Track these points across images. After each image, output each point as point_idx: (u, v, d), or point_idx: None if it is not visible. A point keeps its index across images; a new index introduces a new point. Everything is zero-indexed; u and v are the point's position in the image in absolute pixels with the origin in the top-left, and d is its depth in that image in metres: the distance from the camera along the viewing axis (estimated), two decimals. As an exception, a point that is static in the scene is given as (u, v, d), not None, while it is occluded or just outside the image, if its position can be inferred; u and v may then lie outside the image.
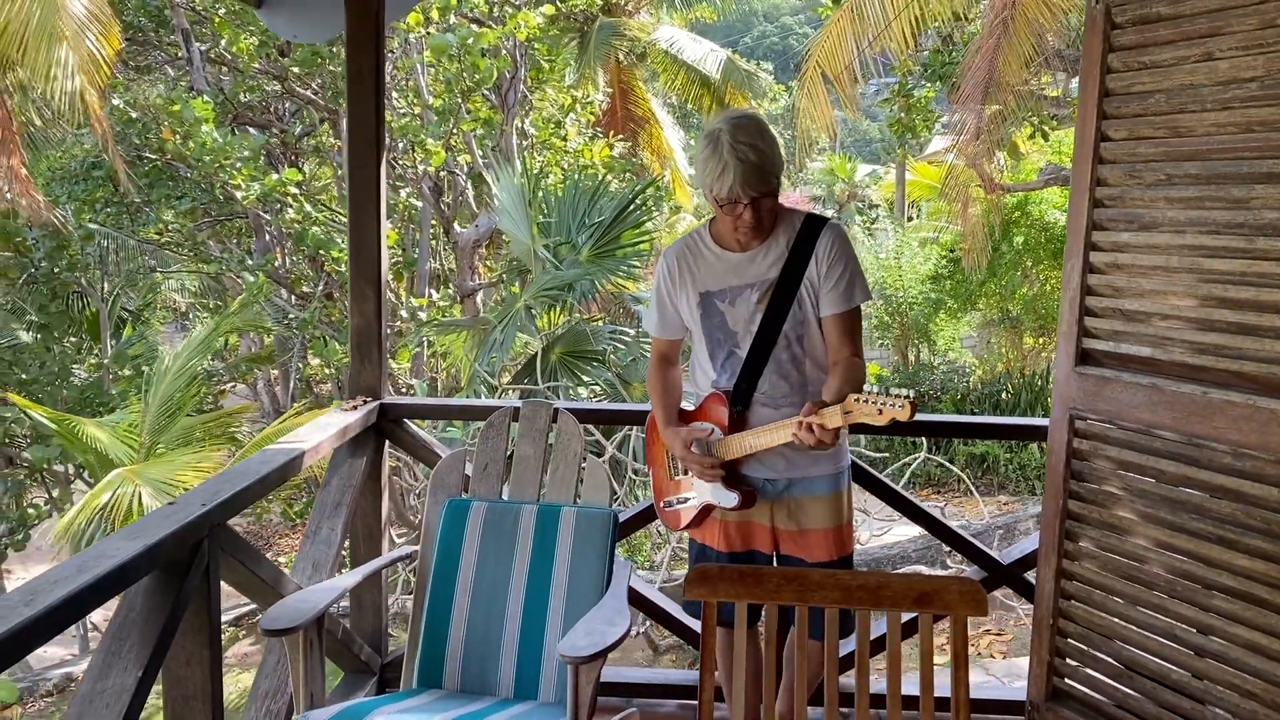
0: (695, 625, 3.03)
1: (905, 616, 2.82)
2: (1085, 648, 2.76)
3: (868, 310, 15.27)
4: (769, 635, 1.72)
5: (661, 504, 2.64)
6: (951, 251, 14.10)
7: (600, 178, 9.17)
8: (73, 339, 10.71)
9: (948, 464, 10.12)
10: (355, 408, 2.92)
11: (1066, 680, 2.82)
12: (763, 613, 1.81)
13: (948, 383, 13.85)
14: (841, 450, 2.50)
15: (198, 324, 13.60)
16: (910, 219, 20.19)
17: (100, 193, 10.28)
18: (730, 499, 2.42)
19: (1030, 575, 2.95)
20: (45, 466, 9.54)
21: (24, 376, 9.53)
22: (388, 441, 3.09)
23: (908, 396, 1.98)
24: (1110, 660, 2.70)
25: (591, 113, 12.82)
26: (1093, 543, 2.71)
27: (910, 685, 2.38)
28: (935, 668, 1.65)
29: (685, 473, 2.52)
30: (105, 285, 10.49)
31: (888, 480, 2.98)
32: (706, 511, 2.51)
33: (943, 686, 2.21)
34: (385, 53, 3.01)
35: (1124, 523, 2.62)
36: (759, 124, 2.30)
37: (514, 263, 8.40)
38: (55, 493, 10.15)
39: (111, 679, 1.74)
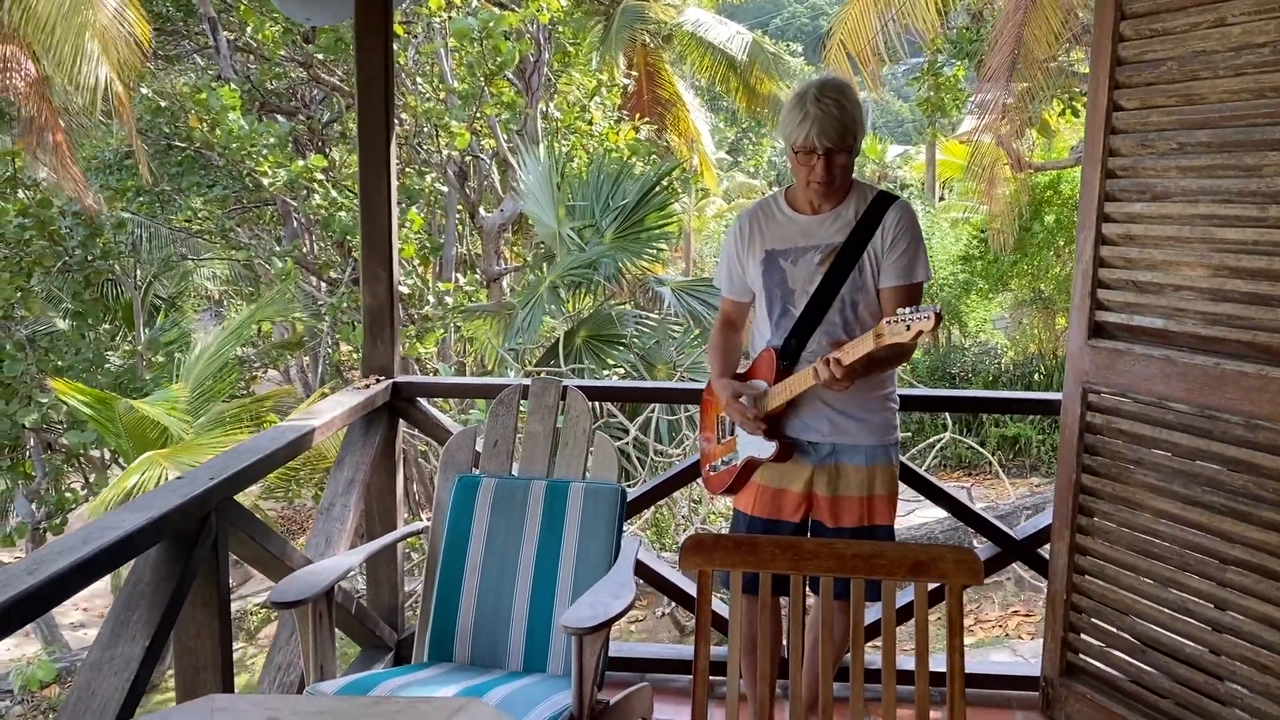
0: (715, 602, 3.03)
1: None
2: (1099, 622, 2.75)
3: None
4: (763, 601, 1.72)
5: (708, 468, 2.69)
6: (982, 232, 13.97)
7: (624, 161, 9.16)
8: (107, 326, 10.86)
9: (977, 446, 10.04)
10: (367, 386, 2.95)
11: (1081, 655, 2.81)
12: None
13: (979, 364, 13.75)
14: (889, 424, 2.50)
15: (231, 311, 13.77)
16: (941, 199, 20.00)
17: (132, 182, 10.41)
18: (768, 449, 2.45)
19: (1044, 550, 2.93)
20: (82, 451, 9.70)
21: (60, 363, 9.68)
22: (402, 420, 3.12)
23: (934, 309, 2.02)
24: (1125, 635, 2.68)
25: (617, 96, 12.81)
26: (1106, 517, 2.69)
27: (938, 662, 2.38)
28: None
29: (733, 433, 2.57)
30: (138, 273, 10.62)
31: (905, 460, 2.96)
32: (748, 472, 2.54)
33: (974, 663, 2.22)
34: (394, 35, 3.02)
35: (1137, 496, 2.60)
36: (846, 86, 2.35)
37: (539, 246, 8.42)
38: (92, 478, 10.33)
39: (120, 648, 1.78)
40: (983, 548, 3.07)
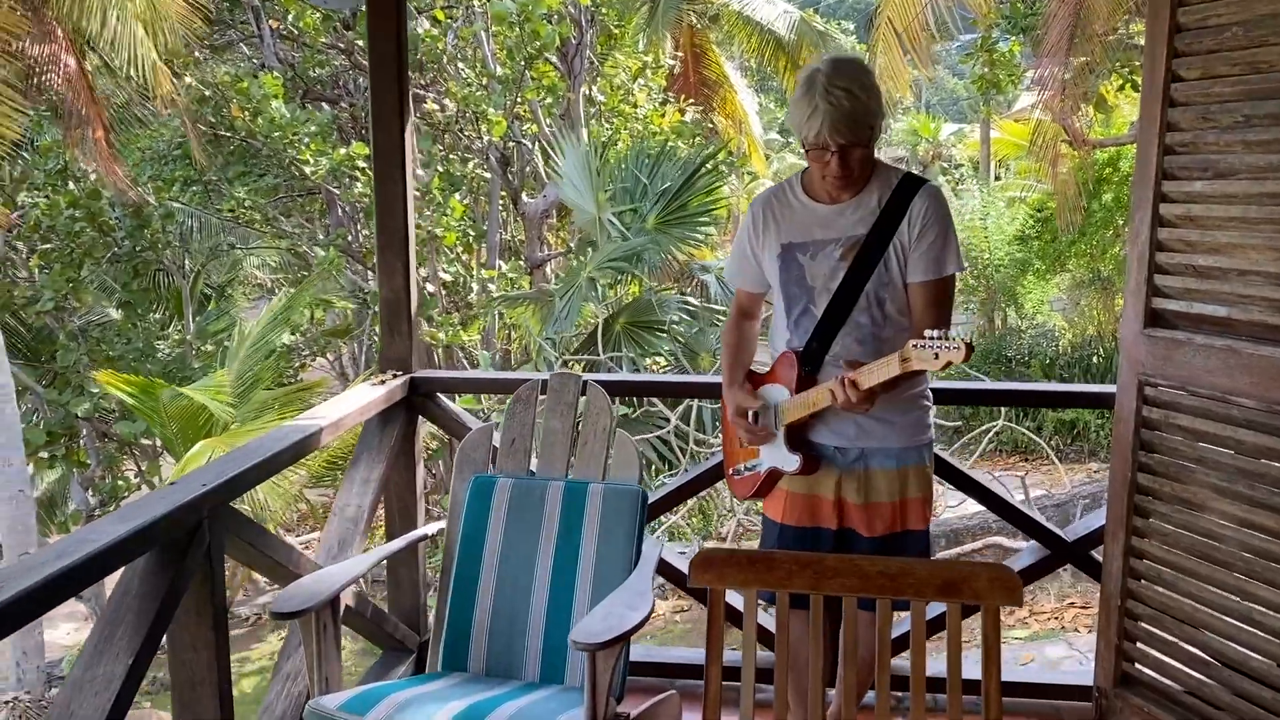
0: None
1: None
2: (1156, 631, 2.57)
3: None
4: (780, 621, 1.59)
5: (731, 471, 2.54)
6: (1039, 211, 13.58)
7: (665, 143, 8.99)
8: (157, 316, 10.96)
9: (1032, 435, 9.76)
10: (383, 382, 2.85)
11: (1136, 665, 2.63)
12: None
13: (1035, 347, 13.39)
14: (921, 423, 2.34)
15: (281, 299, 13.84)
16: (997, 178, 19.54)
17: (180, 172, 10.48)
18: (792, 462, 2.30)
19: (1097, 553, 2.75)
20: (134, 440, 9.81)
21: (111, 353, 9.79)
22: (420, 416, 3.01)
23: (965, 339, 1.86)
24: (1183, 645, 2.50)
25: (662, 78, 12.62)
26: (1164, 519, 2.51)
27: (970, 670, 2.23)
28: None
29: None
30: (187, 262, 10.70)
31: (947, 454, 2.80)
32: (773, 480, 2.39)
33: (1024, 671, 2.07)
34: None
35: (1198, 497, 2.41)
36: (859, 68, 2.16)
37: (580, 233, 8.31)
38: (144, 466, 10.44)
39: (102, 666, 1.69)
40: (1030, 548, 2.90)
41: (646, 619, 2.05)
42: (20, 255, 10.50)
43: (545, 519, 2.49)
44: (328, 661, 2.16)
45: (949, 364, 1.88)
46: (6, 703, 7.17)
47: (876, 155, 2.27)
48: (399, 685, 2.23)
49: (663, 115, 11.08)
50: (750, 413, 2.34)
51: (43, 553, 1.62)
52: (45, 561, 1.56)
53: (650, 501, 2.61)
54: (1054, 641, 7.00)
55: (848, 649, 1.57)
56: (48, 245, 9.87)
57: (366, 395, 2.74)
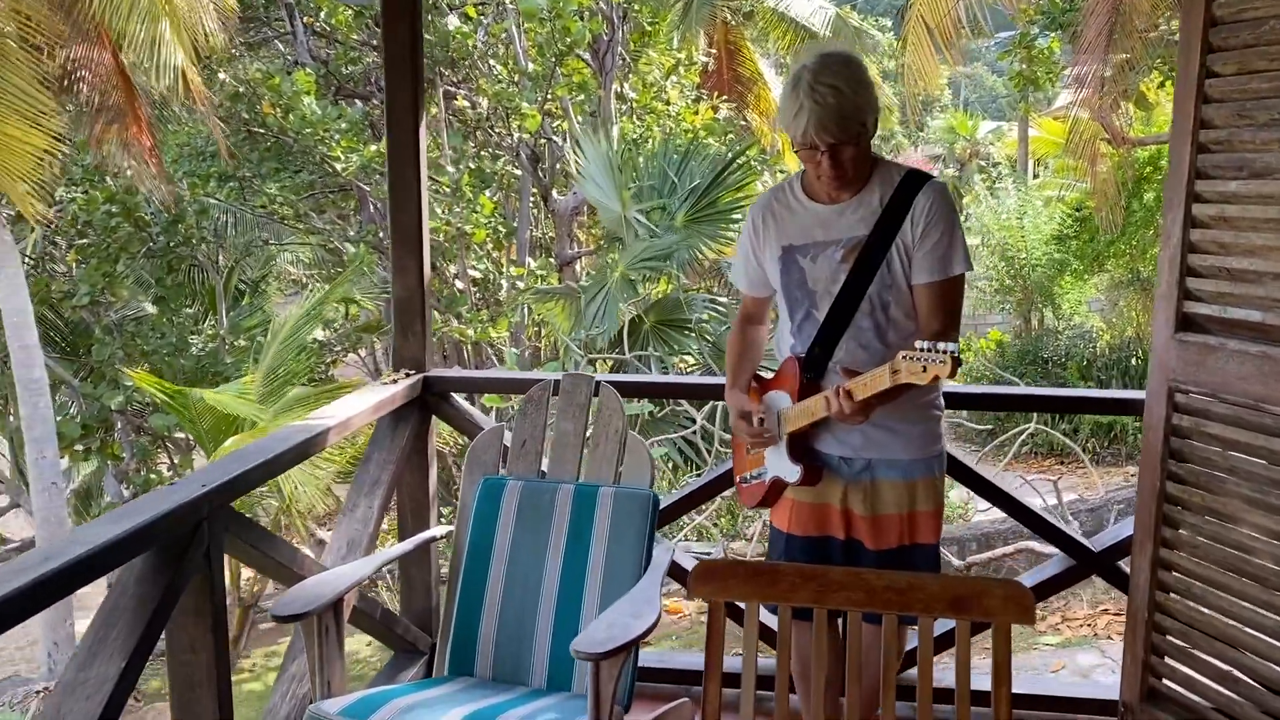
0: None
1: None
2: (1185, 645, 2.48)
3: (988, 272, 14.66)
4: (781, 639, 1.53)
5: (739, 479, 2.47)
6: (1077, 210, 13.36)
7: (693, 140, 8.92)
8: (191, 310, 11.06)
9: (1065, 436, 9.59)
10: (394, 381, 2.82)
11: (1164, 681, 2.54)
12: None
13: (1072, 348, 13.17)
14: (931, 434, 2.24)
15: (313, 295, 13.92)
16: (1035, 176, 19.26)
17: (215, 168, 10.55)
18: (794, 473, 2.22)
19: (1124, 564, 2.66)
20: (167, 434, 9.90)
21: (145, 348, 9.88)
22: (434, 416, 2.98)
23: (950, 352, 1.78)
24: (1213, 661, 2.41)
25: (695, 74, 12.54)
26: (1194, 530, 2.42)
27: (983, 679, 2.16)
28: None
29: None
30: (221, 258, 10.78)
31: (964, 460, 2.72)
32: (778, 490, 2.31)
33: (1048, 683, 2.00)
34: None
35: (1229, 508, 2.33)
36: (847, 63, 2.06)
37: (606, 230, 8.27)
38: (177, 459, 10.54)
39: (95, 668, 1.67)
40: (1055, 559, 2.82)
41: (653, 627, 2.00)
42: (60, 250, 10.64)
43: (555, 522, 2.45)
44: (330, 665, 2.13)
45: (936, 378, 1.80)
46: (38, 692, 7.25)
47: (882, 153, 2.20)
48: (402, 690, 2.20)
49: (695, 112, 11.02)
50: (756, 417, 2.27)
51: (31, 554, 1.60)
52: (32, 565, 1.54)
53: (663, 506, 2.56)
54: (1086, 649, 6.87)
55: (852, 666, 1.51)
56: (84, 240, 9.99)
57: (377, 395, 2.71)
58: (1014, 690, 1.48)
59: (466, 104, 9.12)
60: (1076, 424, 11.66)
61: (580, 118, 9.13)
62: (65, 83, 8.29)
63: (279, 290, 14.15)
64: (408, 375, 2.87)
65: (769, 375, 2.36)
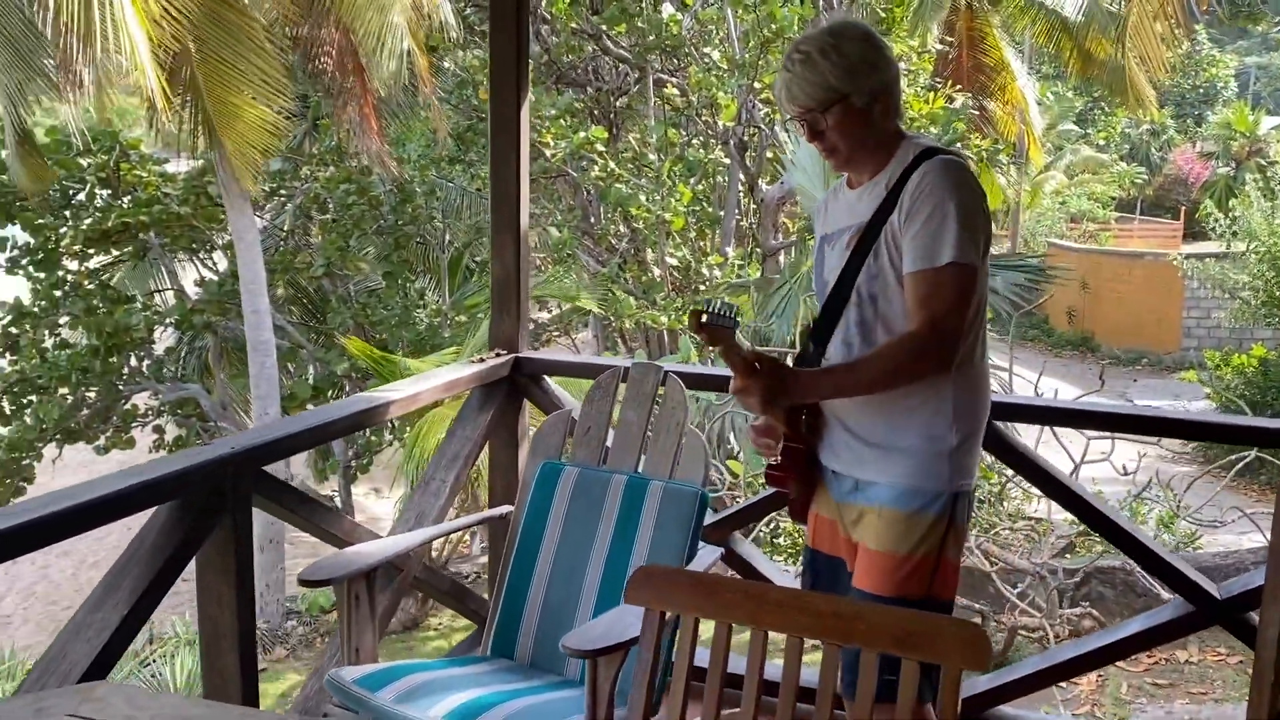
0: None
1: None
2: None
3: (1254, 281, 13.22)
4: (713, 659, 1.41)
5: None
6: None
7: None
8: (420, 285, 11.73)
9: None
10: (482, 360, 2.84)
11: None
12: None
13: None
14: (936, 460, 1.87)
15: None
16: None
17: (447, 150, 11.12)
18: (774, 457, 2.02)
19: (1253, 615, 2.32)
20: (387, 399, 10.52)
21: (374, 318, 10.59)
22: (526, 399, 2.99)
23: (705, 307, 1.77)
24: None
25: (928, 63, 12.00)
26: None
27: None
28: None
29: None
30: (446, 236, 11.36)
31: (1061, 476, 2.45)
32: (802, 502, 2.07)
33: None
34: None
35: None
36: (834, 32, 1.91)
37: (807, 219, 8.06)
38: (395, 422, 11.20)
39: (101, 613, 1.78)
40: (1173, 602, 2.49)
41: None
42: (313, 223, 11.54)
43: (605, 512, 2.41)
44: (360, 633, 2.18)
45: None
46: (246, 629, 7.91)
47: (910, 133, 1.96)
48: (428, 665, 2.22)
49: (925, 101, 10.55)
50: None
51: (51, 494, 1.72)
52: (44, 504, 1.66)
53: (721, 516, 2.46)
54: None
55: (785, 708, 1.38)
56: (325, 216, 10.79)
57: (452, 374, 2.74)
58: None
59: (676, 91, 9.14)
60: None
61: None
62: (309, 68, 8.99)
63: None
64: (498, 355, 2.89)
65: None
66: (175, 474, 1.86)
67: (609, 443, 2.53)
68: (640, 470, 2.46)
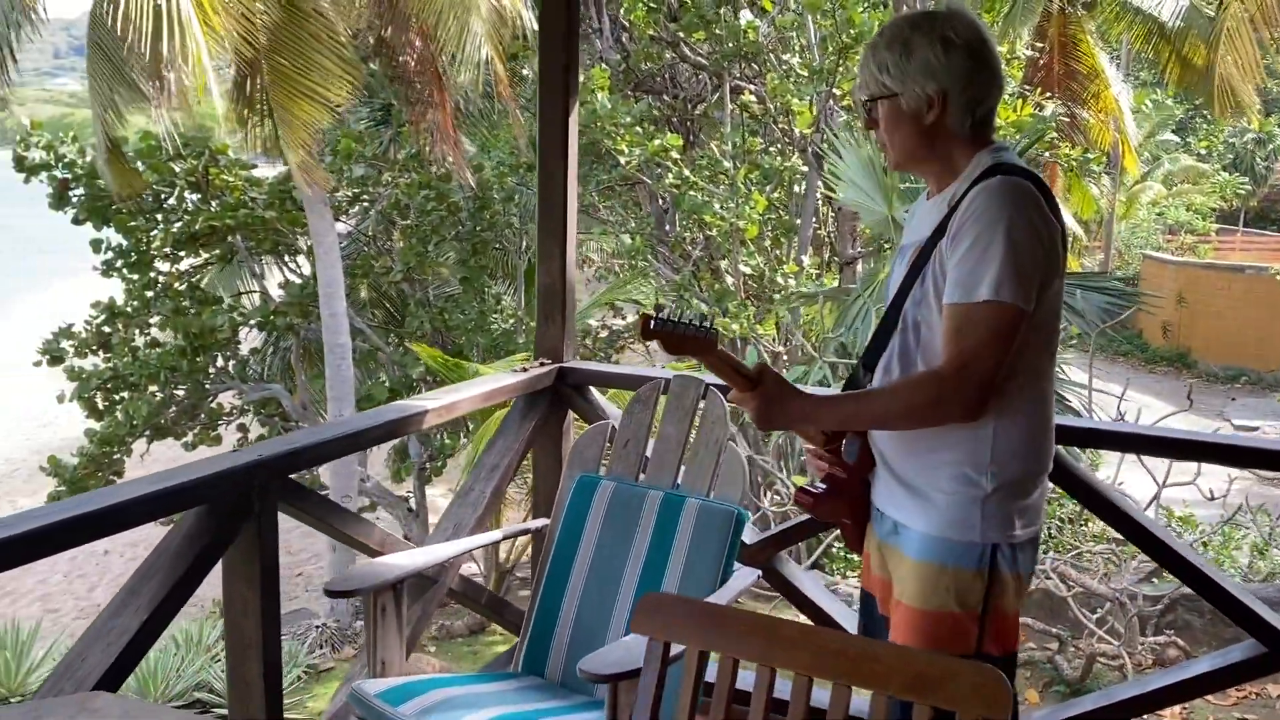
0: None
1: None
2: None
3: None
4: (719, 689, 1.34)
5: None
6: None
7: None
8: (497, 289, 11.83)
9: None
10: (525, 369, 2.81)
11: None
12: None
13: None
14: (968, 510, 1.71)
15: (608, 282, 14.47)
16: None
17: (526, 158, 11.19)
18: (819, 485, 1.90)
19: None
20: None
21: (450, 323, 10.72)
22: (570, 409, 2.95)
23: (660, 316, 1.71)
24: None
25: (1018, 69, 11.70)
26: None
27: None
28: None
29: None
30: (523, 242, 11.43)
31: (1125, 505, 2.32)
32: (855, 533, 1.96)
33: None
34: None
35: None
36: (912, 19, 1.80)
37: (870, 232, 7.89)
38: (471, 425, 11.31)
39: (121, 618, 1.78)
40: (1245, 643, 2.33)
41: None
42: (395, 228, 11.73)
43: (639, 529, 2.36)
44: (386, 645, 2.16)
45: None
46: (317, 626, 8.01)
47: (998, 142, 1.80)
48: (454, 680, 2.19)
49: (1013, 109, 10.29)
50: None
51: (71, 500, 1.72)
52: (66, 508, 1.67)
53: (764, 536, 2.38)
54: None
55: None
56: (405, 221, 10.95)
57: (493, 383, 2.72)
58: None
59: (754, 99, 9.05)
60: None
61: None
62: (390, 74, 9.12)
63: (581, 279, 14.83)
64: (541, 364, 2.85)
65: None
66: (203, 479, 1.86)
67: (648, 453, 2.48)
68: (677, 486, 2.40)
